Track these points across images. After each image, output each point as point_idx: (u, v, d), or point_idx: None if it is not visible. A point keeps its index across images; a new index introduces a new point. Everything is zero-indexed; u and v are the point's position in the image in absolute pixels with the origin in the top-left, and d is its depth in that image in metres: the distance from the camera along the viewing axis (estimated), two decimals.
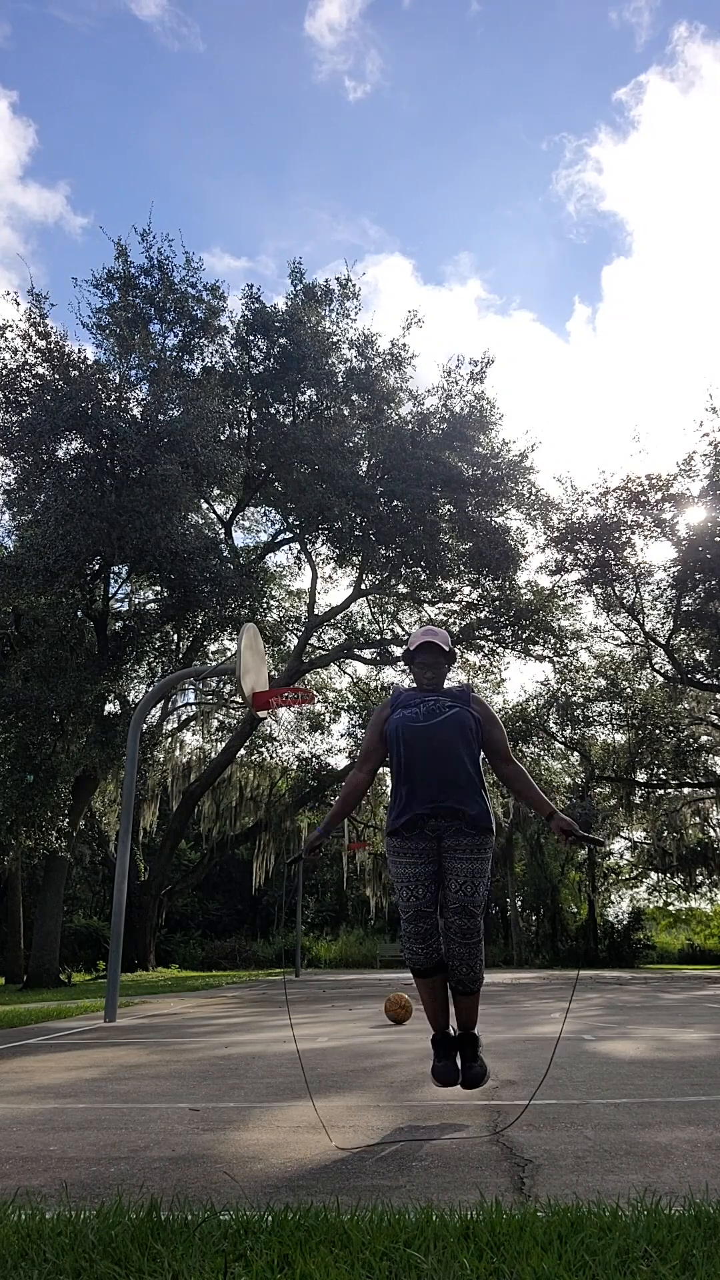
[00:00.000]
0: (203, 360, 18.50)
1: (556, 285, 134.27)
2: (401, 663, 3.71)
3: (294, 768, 27.52)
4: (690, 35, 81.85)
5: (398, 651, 22.09)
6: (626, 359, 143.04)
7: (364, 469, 18.83)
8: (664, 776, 26.26)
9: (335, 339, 19.20)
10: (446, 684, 3.47)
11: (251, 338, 18.67)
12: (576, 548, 20.14)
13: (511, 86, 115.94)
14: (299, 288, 19.13)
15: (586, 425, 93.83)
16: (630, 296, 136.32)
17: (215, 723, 27.15)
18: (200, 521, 18.95)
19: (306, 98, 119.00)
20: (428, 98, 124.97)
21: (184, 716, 26.77)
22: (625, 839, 33.93)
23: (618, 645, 23.65)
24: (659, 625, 21.43)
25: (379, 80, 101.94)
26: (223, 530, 20.20)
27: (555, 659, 22.97)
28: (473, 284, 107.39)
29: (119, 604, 19.12)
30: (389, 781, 3.40)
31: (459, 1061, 3.24)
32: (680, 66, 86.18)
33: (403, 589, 21.92)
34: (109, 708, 17.50)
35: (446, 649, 3.42)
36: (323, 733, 26.50)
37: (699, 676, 21.55)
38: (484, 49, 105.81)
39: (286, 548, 22.60)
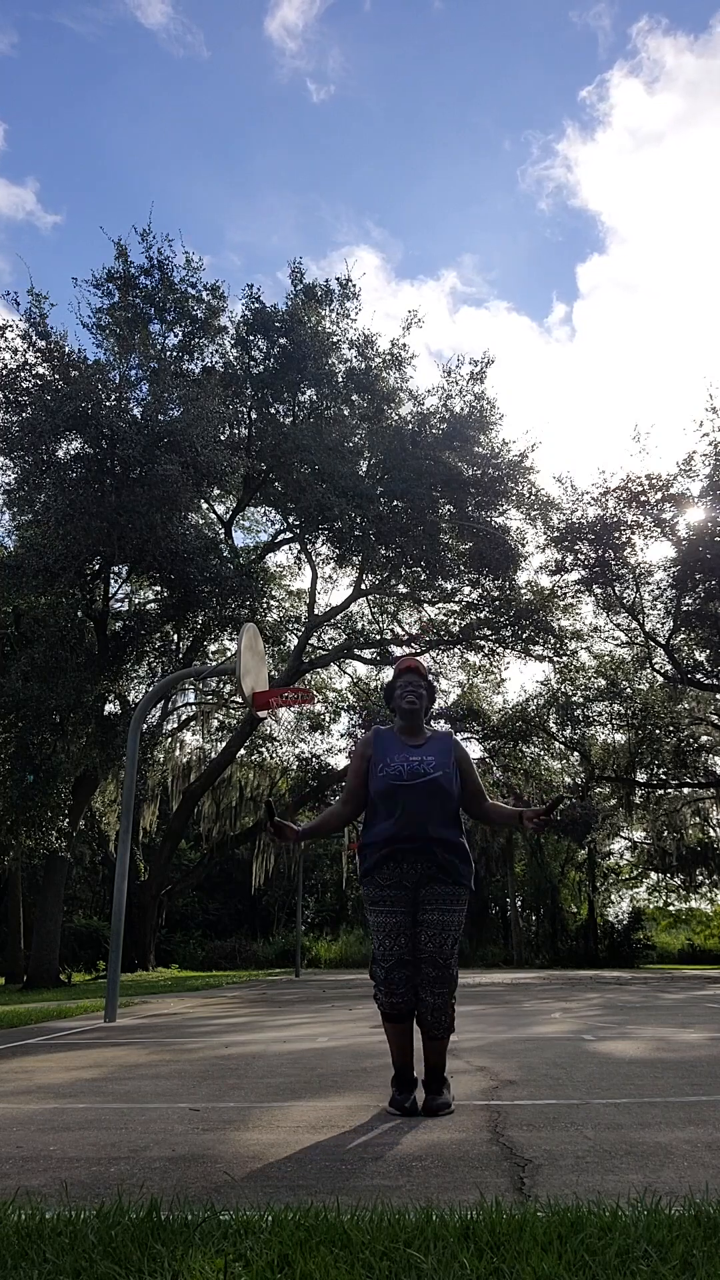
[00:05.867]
0: (203, 360, 18.50)
1: (533, 282, 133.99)
2: (385, 701, 3.84)
3: (294, 768, 27.52)
4: (652, 29, 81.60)
5: (398, 651, 22.09)
6: (610, 356, 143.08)
7: (364, 469, 18.82)
8: (664, 776, 26.27)
9: (335, 339, 19.18)
10: (429, 730, 3.59)
11: (251, 338, 18.66)
12: (576, 548, 20.15)
13: (477, 85, 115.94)
14: (299, 288, 19.11)
15: (571, 423, 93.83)
16: (608, 293, 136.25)
17: (215, 723, 27.16)
18: (200, 521, 18.95)
19: (270, 97, 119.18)
20: (393, 97, 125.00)
21: (184, 716, 26.78)
22: (625, 839, 33.96)
23: (618, 645, 23.67)
24: (659, 625, 21.43)
25: (343, 80, 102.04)
26: (223, 530, 20.20)
27: (555, 659, 22.97)
28: (447, 279, 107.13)
29: (119, 604, 19.12)
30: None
31: (423, 1093, 3.32)
32: (643, 60, 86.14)
33: (403, 589, 21.91)
34: (109, 708, 17.52)
35: (427, 676, 3.61)
36: (323, 733, 26.51)
37: (699, 676, 21.56)
38: (447, 50, 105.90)
39: (286, 548, 22.62)
